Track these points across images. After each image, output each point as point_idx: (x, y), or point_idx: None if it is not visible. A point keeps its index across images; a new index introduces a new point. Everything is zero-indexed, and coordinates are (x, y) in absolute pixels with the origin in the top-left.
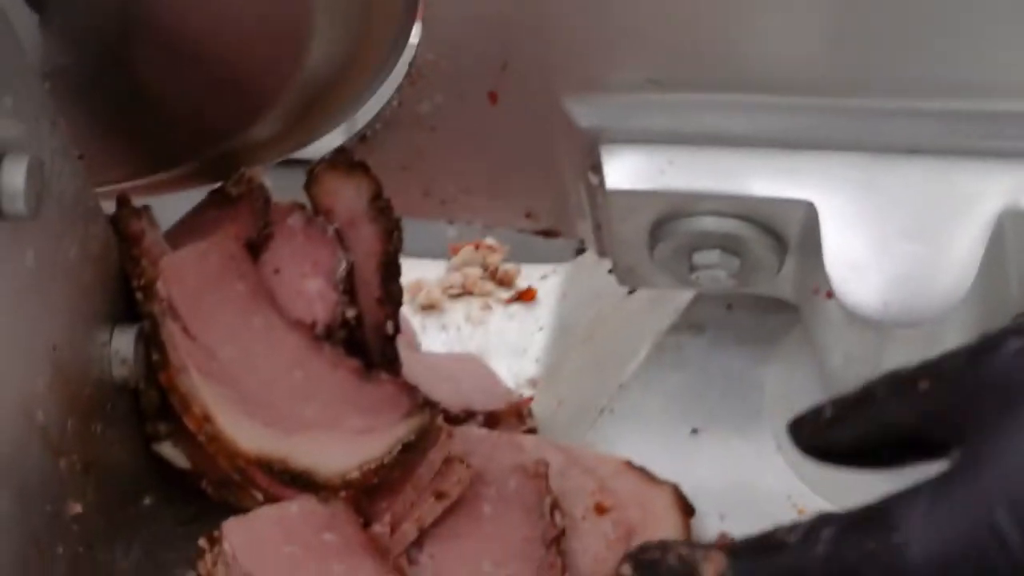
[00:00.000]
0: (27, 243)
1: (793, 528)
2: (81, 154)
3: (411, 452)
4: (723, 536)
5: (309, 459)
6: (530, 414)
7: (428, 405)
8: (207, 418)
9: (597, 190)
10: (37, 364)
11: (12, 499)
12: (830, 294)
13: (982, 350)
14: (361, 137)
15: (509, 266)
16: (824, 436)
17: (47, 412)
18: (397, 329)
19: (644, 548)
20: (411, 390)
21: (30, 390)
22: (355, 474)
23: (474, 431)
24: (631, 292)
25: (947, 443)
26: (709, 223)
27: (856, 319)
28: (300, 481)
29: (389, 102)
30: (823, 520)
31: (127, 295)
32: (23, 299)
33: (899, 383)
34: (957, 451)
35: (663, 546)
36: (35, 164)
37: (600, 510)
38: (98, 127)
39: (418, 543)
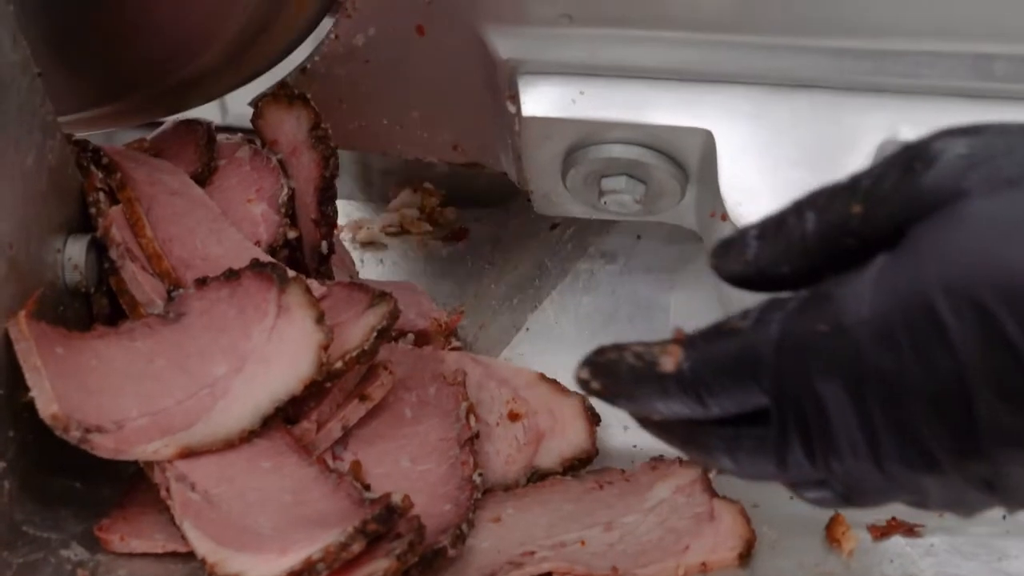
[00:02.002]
0: None
1: (745, 314)
2: (40, 71)
3: (384, 336)
4: (679, 331)
5: None
6: (456, 335)
7: (384, 293)
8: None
9: (515, 118)
10: None
11: None
12: (725, 216)
13: (914, 168)
14: (302, 70)
15: (445, 208)
16: (750, 262)
17: (1, 303)
18: (331, 249)
19: (600, 351)
20: (363, 286)
21: None
22: (339, 364)
23: (400, 346)
24: (553, 228)
25: (880, 247)
26: (616, 150)
27: None
28: None
29: (327, 36)
30: (774, 304)
31: (81, 206)
32: None
33: (828, 207)
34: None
35: (619, 347)
36: None
37: (513, 417)
38: (46, 57)
39: (342, 442)
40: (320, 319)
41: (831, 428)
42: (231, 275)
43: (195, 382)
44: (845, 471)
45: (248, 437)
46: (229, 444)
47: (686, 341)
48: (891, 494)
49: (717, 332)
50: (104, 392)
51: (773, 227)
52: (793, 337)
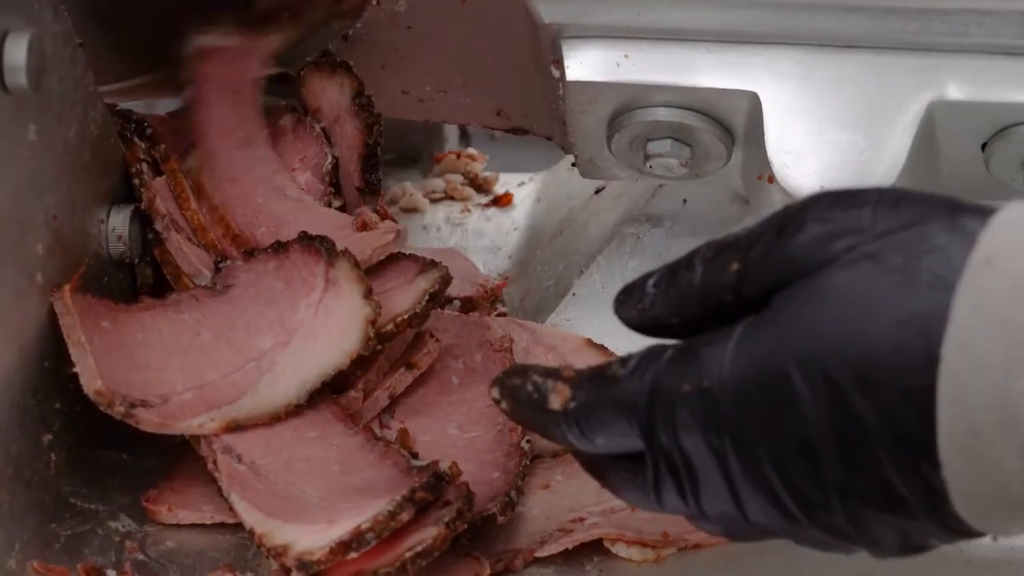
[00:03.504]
0: (29, 117)
1: (626, 361)
2: (81, 42)
3: (436, 300)
4: (568, 367)
5: None
6: (502, 301)
7: (434, 261)
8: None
9: (559, 83)
10: (37, 230)
11: (13, 351)
12: (772, 179)
13: (786, 232)
14: (343, 37)
15: (488, 174)
16: (645, 310)
17: (46, 275)
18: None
19: (509, 372)
20: (412, 256)
21: (30, 253)
22: (390, 327)
23: (446, 313)
24: (598, 192)
25: (754, 307)
26: (661, 114)
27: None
28: None
29: (369, 2)
30: (650, 356)
31: (124, 177)
32: (25, 168)
33: (714, 262)
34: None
35: (522, 372)
36: (36, 41)
37: None
38: (87, 27)
39: (389, 410)
40: (368, 294)
41: (698, 479)
42: (279, 247)
43: (241, 355)
44: (716, 514)
45: (295, 411)
46: (275, 418)
47: (573, 381)
48: (763, 535)
49: (600, 376)
50: (150, 366)
51: (667, 277)
52: (662, 391)
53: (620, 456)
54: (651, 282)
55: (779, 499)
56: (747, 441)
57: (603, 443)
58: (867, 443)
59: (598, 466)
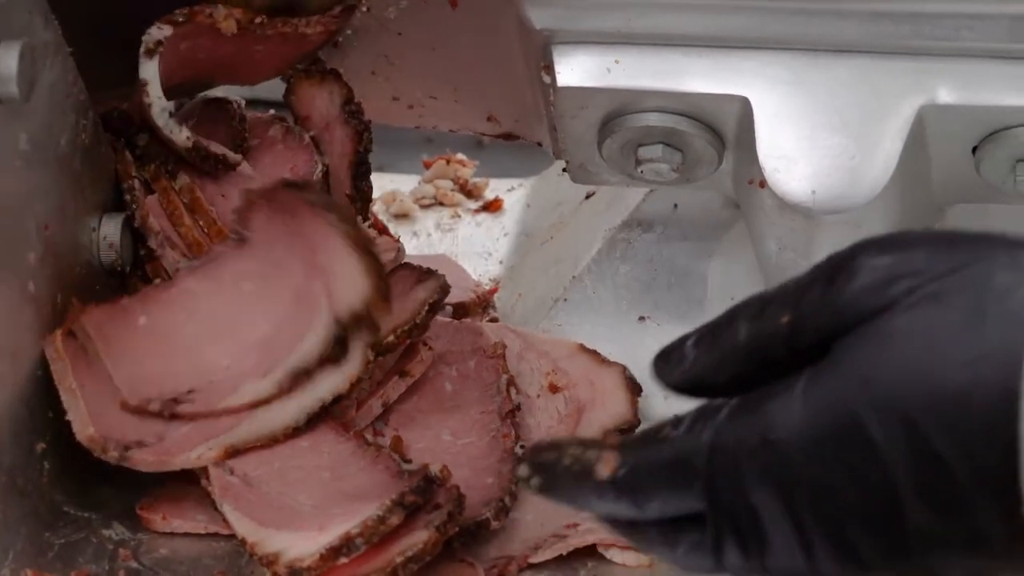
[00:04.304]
0: (20, 127)
1: (678, 422)
2: (72, 50)
3: (435, 310)
4: (609, 434)
5: None
6: (493, 306)
7: (431, 271)
8: None
9: (550, 89)
10: (28, 239)
11: (5, 361)
12: (763, 184)
13: (837, 280)
14: (333, 44)
15: (478, 179)
16: (687, 372)
17: (38, 285)
18: (368, 225)
19: (538, 448)
20: (409, 265)
21: (22, 263)
22: (391, 338)
23: (439, 319)
24: (588, 197)
25: (808, 358)
26: (653, 119)
27: (787, 206)
28: None
29: (359, 9)
30: (704, 414)
31: (116, 186)
32: (16, 178)
33: (760, 316)
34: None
35: (556, 446)
36: (27, 50)
37: (553, 389)
38: (78, 35)
39: (383, 418)
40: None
41: (765, 533)
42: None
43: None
44: (780, 568)
45: (293, 434)
46: (274, 441)
47: (621, 448)
48: None
49: (650, 439)
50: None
51: (708, 336)
52: (724, 447)
53: (669, 520)
54: (690, 343)
55: (854, 548)
56: (822, 492)
57: (656, 508)
58: (949, 484)
59: (645, 534)
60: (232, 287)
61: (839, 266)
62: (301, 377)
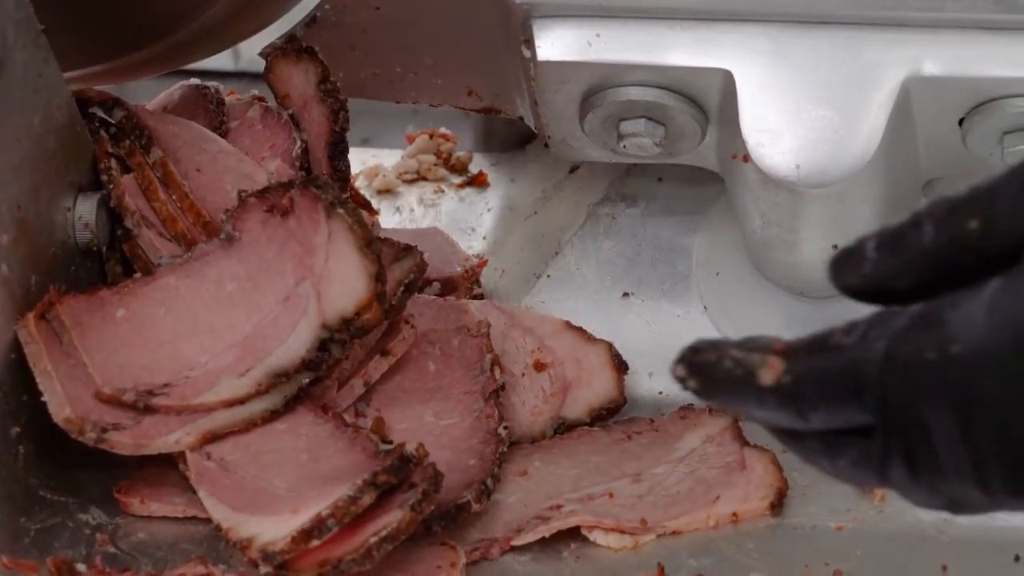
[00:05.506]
0: None
1: (850, 330)
2: (44, 28)
3: (411, 291)
4: (778, 342)
5: None
6: (477, 282)
7: (409, 247)
8: None
9: (530, 63)
10: (1, 220)
11: None
12: (747, 158)
13: None
14: (311, 20)
15: (462, 153)
16: (867, 276)
17: (11, 267)
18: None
19: (696, 348)
20: (387, 240)
21: None
22: (367, 315)
23: (422, 297)
24: (572, 171)
25: (998, 267)
26: (634, 93)
27: (771, 180)
28: None
29: None
30: (880, 322)
31: (91, 164)
32: None
33: (948, 221)
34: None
35: (716, 347)
36: None
37: (539, 367)
38: (51, 13)
39: (365, 398)
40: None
41: (936, 452)
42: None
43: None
44: (950, 490)
45: (271, 417)
46: (251, 425)
47: (787, 353)
48: (995, 510)
49: (820, 346)
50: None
51: (891, 240)
52: (900, 359)
53: (832, 432)
54: (871, 245)
55: None
56: (1002, 410)
57: (820, 419)
58: None
59: (807, 443)
60: (215, 286)
61: None
62: (280, 378)
